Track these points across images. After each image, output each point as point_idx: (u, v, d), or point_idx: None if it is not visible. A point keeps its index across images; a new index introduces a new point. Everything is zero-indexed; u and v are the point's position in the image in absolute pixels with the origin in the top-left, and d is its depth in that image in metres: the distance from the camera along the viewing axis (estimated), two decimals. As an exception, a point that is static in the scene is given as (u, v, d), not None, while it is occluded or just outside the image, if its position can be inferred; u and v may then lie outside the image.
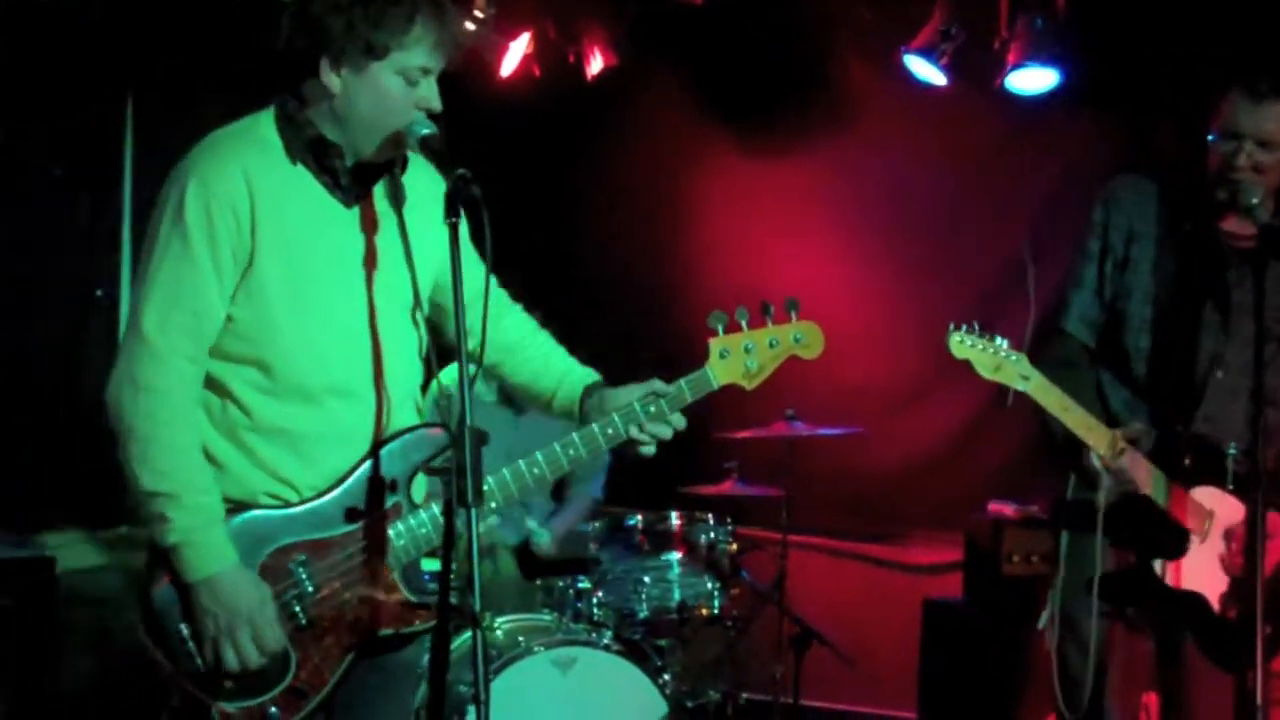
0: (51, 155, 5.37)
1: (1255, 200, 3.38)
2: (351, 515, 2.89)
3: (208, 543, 2.77)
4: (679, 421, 3.04)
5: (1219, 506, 3.47)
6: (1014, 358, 3.35)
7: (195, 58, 5.38)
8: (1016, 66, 5.71)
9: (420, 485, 2.99)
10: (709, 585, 4.73)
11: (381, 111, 2.84)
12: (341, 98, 2.83)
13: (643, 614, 4.66)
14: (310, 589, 2.86)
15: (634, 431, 3.01)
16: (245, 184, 2.79)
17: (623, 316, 6.59)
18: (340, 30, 2.78)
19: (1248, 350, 3.26)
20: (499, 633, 4.38)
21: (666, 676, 4.47)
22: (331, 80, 2.82)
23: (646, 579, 4.68)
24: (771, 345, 3.09)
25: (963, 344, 3.33)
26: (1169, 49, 5.42)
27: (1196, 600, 3.47)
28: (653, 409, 3.00)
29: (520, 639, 4.29)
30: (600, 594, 4.67)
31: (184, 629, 2.81)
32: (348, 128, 2.86)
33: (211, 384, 2.85)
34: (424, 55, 2.83)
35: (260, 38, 2.93)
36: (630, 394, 3.03)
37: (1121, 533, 3.50)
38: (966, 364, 3.34)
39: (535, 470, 2.98)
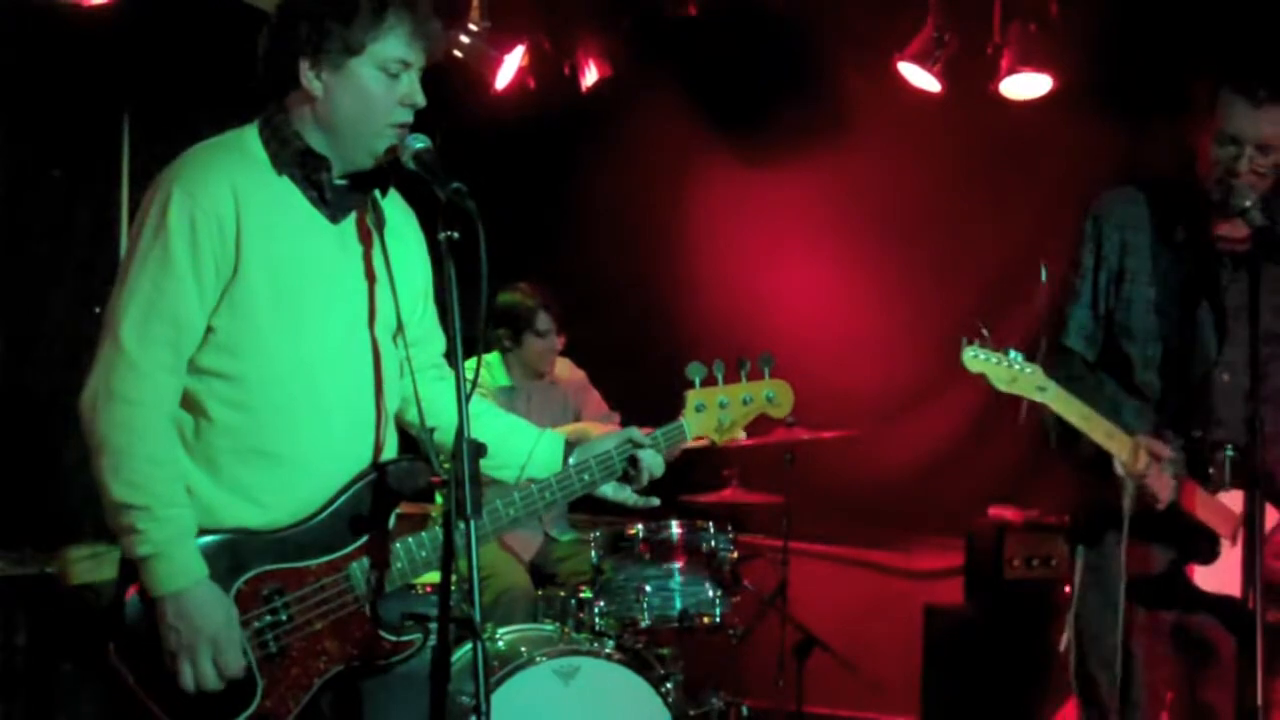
0: (50, 169, 5.38)
1: (1248, 203, 3.36)
2: (329, 546, 2.86)
3: (177, 556, 2.72)
4: (657, 468, 3.10)
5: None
6: (1029, 370, 3.31)
7: (191, 71, 5.39)
8: (1010, 73, 5.74)
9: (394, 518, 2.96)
10: (711, 593, 4.73)
11: (365, 110, 2.83)
12: (324, 101, 2.83)
13: (645, 623, 4.65)
14: (284, 618, 2.82)
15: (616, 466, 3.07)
16: (232, 196, 2.77)
17: (620, 328, 6.59)
18: (315, 32, 2.79)
19: (1247, 352, 3.27)
20: (501, 643, 4.38)
21: (669, 685, 4.47)
22: (313, 84, 2.82)
23: (648, 588, 4.66)
24: (745, 402, 3.18)
25: (976, 358, 3.31)
26: (1160, 54, 5.44)
27: (1231, 603, 3.34)
28: (628, 456, 3.08)
29: (522, 649, 4.28)
30: (602, 603, 4.66)
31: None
32: (335, 133, 2.85)
33: (186, 402, 2.80)
34: (401, 47, 2.82)
35: (253, 51, 2.94)
36: (608, 442, 3.09)
37: (1154, 537, 3.46)
38: (981, 377, 3.31)
39: (511, 511, 3.01)
